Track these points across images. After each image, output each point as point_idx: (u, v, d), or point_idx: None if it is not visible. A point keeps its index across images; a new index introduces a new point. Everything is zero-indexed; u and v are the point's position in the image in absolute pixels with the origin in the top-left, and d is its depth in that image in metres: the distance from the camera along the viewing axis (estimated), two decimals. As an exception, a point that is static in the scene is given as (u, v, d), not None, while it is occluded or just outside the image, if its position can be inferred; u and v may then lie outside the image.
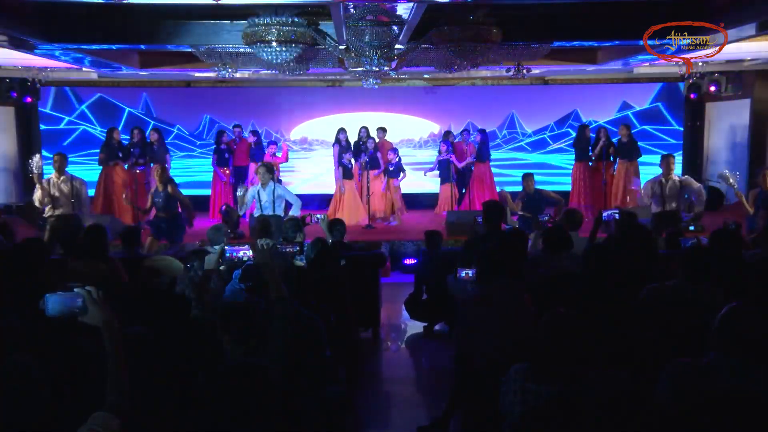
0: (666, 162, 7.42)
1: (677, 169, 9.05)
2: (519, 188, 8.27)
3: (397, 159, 10.28)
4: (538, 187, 8.22)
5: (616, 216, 5.01)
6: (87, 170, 11.78)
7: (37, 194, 7.20)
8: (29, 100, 11.54)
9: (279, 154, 10.41)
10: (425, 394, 5.07)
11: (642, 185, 8.02)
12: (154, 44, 7.29)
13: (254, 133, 10.70)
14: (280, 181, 10.18)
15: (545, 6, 6.90)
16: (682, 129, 12.41)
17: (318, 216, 5.88)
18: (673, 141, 12.41)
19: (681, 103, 12.32)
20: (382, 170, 10.23)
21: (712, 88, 10.52)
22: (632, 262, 3.94)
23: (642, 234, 4.42)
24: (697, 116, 12.34)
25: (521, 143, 12.69)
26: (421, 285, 6.30)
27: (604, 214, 5.04)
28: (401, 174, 10.35)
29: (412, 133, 12.73)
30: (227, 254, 3.51)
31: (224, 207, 9.34)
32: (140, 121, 11.75)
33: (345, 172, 10.16)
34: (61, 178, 7.25)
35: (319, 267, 4.44)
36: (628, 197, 10.05)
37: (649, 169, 10.31)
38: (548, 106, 12.54)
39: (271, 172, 7.38)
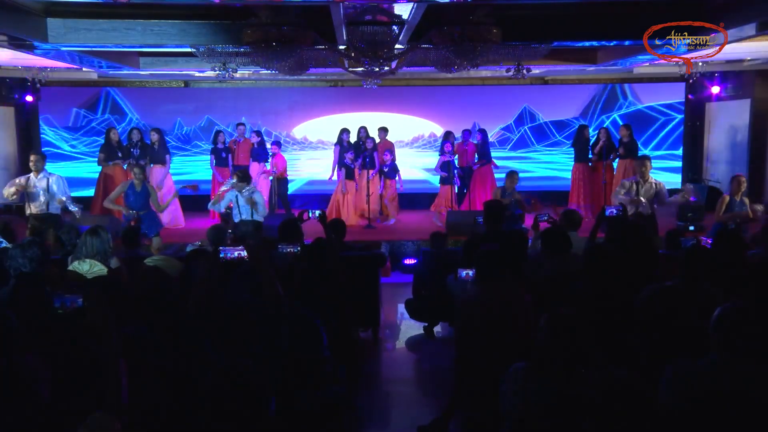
0: (642, 163, 7.33)
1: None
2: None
3: (391, 159, 10.26)
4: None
5: (620, 213, 4.98)
6: (86, 170, 11.83)
7: (8, 189, 7.53)
8: (29, 100, 11.58)
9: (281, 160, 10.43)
10: (425, 394, 5.06)
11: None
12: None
13: (257, 133, 10.68)
14: (286, 181, 10.24)
15: (545, 6, 6.90)
16: (682, 129, 12.40)
17: (316, 212, 5.84)
18: (673, 141, 12.42)
19: (681, 103, 12.33)
20: (377, 171, 10.20)
21: (715, 89, 10.47)
22: (632, 262, 3.94)
23: (641, 233, 4.43)
24: (697, 116, 12.34)
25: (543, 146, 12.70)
26: (420, 285, 6.28)
27: (608, 210, 5.01)
28: (397, 174, 10.31)
29: (412, 133, 12.71)
30: (221, 255, 3.49)
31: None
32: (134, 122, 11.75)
33: (347, 173, 10.15)
34: (39, 176, 7.63)
35: (315, 266, 4.42)
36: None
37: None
38: (548, 105, 12.55)
39: (245, 180, 7.37)
